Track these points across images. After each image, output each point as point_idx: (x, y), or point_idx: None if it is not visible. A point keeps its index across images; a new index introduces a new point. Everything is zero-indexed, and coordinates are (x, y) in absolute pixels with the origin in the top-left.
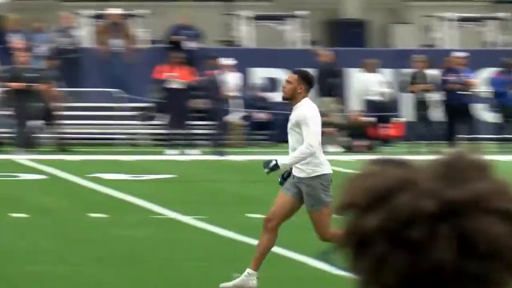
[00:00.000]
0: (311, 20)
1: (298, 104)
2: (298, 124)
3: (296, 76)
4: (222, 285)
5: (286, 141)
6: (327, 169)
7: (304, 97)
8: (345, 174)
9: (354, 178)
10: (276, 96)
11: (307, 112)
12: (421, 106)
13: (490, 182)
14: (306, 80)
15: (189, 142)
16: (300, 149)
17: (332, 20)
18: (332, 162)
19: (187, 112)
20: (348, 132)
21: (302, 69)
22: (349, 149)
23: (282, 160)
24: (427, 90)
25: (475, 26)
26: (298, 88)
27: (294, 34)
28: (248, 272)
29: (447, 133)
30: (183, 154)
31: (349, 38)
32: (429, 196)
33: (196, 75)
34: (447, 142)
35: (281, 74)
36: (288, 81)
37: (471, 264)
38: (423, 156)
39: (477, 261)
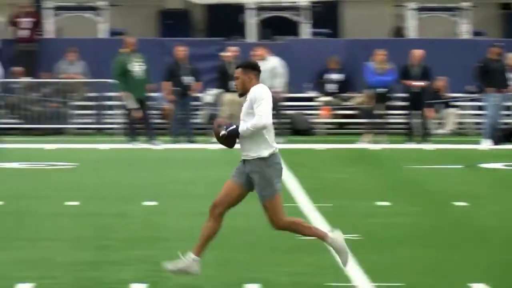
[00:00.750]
0: None
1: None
2: (251, 105)
3: (240, 69)
4: (166, 265)
5: None
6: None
7: (255, 84)
8: None
9: None
10: None
11: (259, 92)
12: None
13: None
14: (250, 68)
15: None
16: (252, 120)
17: None
18: None
19: None
20: None
21: (243, 61)
22: None
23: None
24: None
25: None
26: (246, 78)
27: None
28: (193, 258)
29: None
30: None
31: None
32: None
33: None
34: None
35: None
36: (236, 77)
37: None
38: None
39: None
